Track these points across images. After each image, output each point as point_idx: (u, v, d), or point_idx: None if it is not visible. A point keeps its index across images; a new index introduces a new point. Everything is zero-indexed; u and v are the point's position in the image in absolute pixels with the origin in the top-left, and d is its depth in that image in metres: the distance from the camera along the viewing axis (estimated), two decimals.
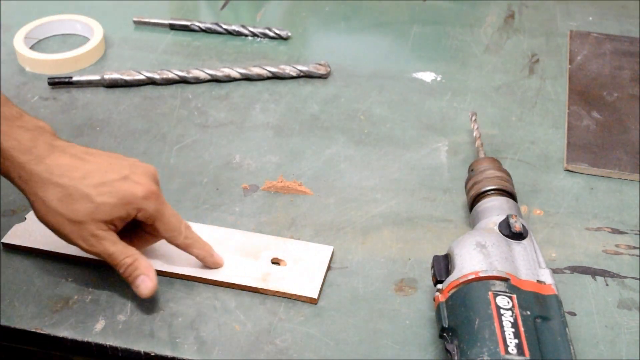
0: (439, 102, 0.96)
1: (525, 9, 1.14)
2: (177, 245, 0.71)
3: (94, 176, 0.67)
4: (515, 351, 0.58)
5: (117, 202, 0.67)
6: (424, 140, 0.90)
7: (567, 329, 0.62)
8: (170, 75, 0.98)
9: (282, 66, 0.99)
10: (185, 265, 0.74)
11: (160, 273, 0.73)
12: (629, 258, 0.76)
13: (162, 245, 0.75)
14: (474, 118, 0.87)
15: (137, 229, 0.72)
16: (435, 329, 0.66)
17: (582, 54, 1.03)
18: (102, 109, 0.95)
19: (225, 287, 0.73)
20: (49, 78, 0.98)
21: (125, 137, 0.90)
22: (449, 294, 0.64)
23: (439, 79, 1.00)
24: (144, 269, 0.69)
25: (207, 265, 0.73)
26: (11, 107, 0.67)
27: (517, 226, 0.68)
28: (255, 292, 0.72)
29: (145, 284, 0.69)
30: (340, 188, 0.84)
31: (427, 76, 1.01)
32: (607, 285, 0.73)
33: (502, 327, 0.59)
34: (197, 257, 0.72)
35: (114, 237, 0.68)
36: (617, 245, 0.77)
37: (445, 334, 0.62)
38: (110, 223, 0.68)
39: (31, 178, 0.66)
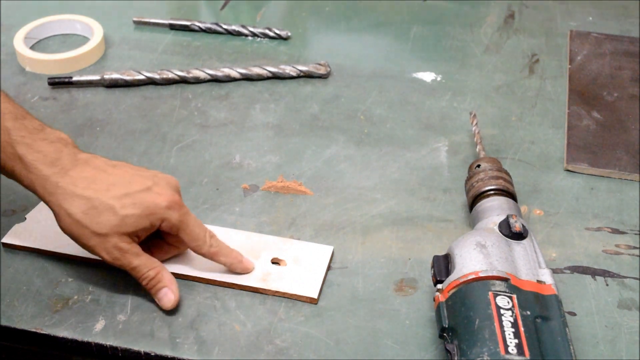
0: (439, 102, 0.96)
1: (525, 9, 1.14)
2: (203, 255, 0.72)
3: (117, 188, 0.68)
4: (515, 351, 0.58)
5: (141, 213, 0.67)
6: (424, 140, 0.90)
7: (567, 329, 0.62)
8: (170, 75, 0.98)
9: (282, 66, 0.99)
10: (185, 266, 0.74)
11: None
12: (629, 258, 0.76)
13: None
14: (474, 118, 0.87)
15: (158, 240, 0.72)
16: (435, 329, 0.66)
17: (582, 54, 1.03)
18: (102, 109, 0.95)
19: (225, 287, 0.73)
20: (49, 78, 0.98)
21: (125, 137, 0.90)
22: (449, 294, 0.64)
23: (439, 79, 1.00)
24: (167, 281, 0.70)
25: (236, 272, 0.73)
26: (33, 120, 0.68)
27: (517, 226, 0.68)
28: (255, 292, 0.72)
29: (168, 297, 0.70)
30: (340, 188, 0.84)
31: (427, 76, 1.01)
32: (607, 285, 0.73)
33: (502, 327, 0.59)
34: (224, 265, 0.72)
35: (137, 249, 0.69)
36: (617, 245, 0.77)
37: (445, 334, 0.63)
38: (134, 235, 0.68)
39: (56, 191, 0.66)
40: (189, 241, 0.71)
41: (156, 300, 0.70)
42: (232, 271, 0.73)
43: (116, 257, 0.68)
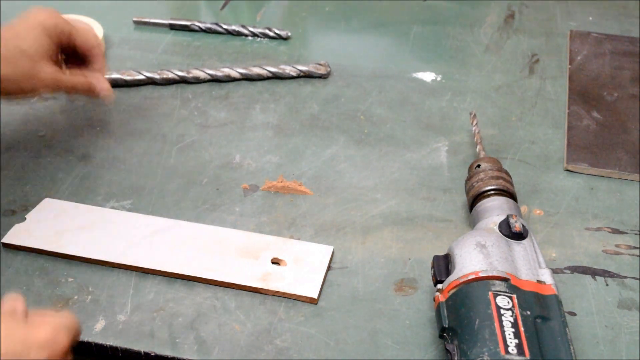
0: (439, 102, 0.96)
1: (525, 9, 1.14)
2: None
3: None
4: (515, 351, 0.58)
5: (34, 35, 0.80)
6: (424, 140, 0.90)
7: (567, 329, 0.62)
8: (170, 75, 0.98)
9: (282, 66, 0.99)
10: (185, 265, 0.74)
11: (160, 273, 0.74)
12: (629, 258, 0.76)
13: (160, 245, 0.76)
14: (474, 118, 0.87)
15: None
16: (435, 329, 0.66)
17: (582, 54, 1.03)
18: (102, 109, 0.95)
19: (225, 287, 0.73)
20: None
21: (125, 137, 0.90)
22: (449, 294, 0.64)
23: (439, 79, 1.00)
24: (95, 78, 0.84)
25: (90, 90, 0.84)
26: None
27: (517, 226, 0.68)
28: (255, 292, 0.72)
29: (100, 85, 0.84)
30: (340, 188, 0.84)
31: (427, 76, 1.01)
32: (607, 285, 0.73)
33: (502, 327, 0.59)
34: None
35: (60, 71, 0.81)
36: (617, 245, 0.77)
37: (445, 334, 0.63)
38: (51, 56, 0.80)
39: None
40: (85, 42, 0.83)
41: (93, 96, 0.84)
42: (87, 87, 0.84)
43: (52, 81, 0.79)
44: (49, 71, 0.79)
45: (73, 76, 0.82)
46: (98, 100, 0.96)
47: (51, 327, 0.56)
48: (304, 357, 0.67)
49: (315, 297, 0.71)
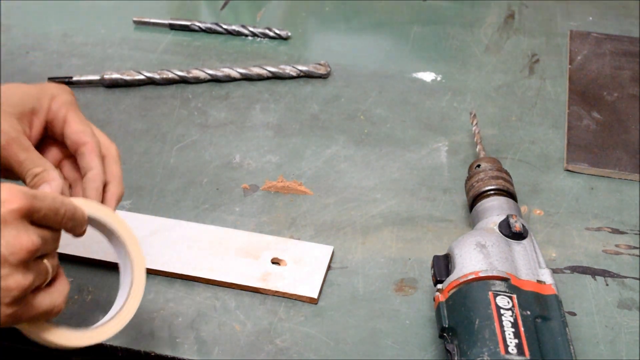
0: (439, 102, 0.96)
1: (525, 9, 1.14)
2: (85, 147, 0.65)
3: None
4: (515, 351, 0.58)
5: (26, 90, 0.64)
6: (424, 140, 0.90)
7: (567, 329, 0.62)
8: (170, 75, 0.98)
9: (282, 66, 0.99)
10: (185, 265, 0.74)
11: (160, 273, 0.74)
12: (629, 258, 0.76)
13: (160, 245, 0.76)
14: (474, 118, 0.87)
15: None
16: (435, 329, 0.66)
17: (582, 54, 1.03)
18: (102, 109, 0.95)
19: (225, 287, 0.73)
20: (49, 78, 0.98)
21: (125, 137, 0.90)
22: (449, 294, 0.64)
23: (439, 79, 1.00)
24: (51, 177, 0.62)
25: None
26: None
27: (517, 226, 0.68)
28: (255, 292, 0.72)
29: (44, 189, 0.62)
30: (340, 188, 0.84)
31: (427, 76, 1.01)
32: (607, 285, 0.73)
33: (502, 327, 0.59)
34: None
35: (27, 142, 0.63)
36: (617, 245, 0.77)
37: (445, 334, 0.62)
38: (23, 119, 0.63)
39: None
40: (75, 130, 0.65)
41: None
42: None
43: (3, 145, 0.61)
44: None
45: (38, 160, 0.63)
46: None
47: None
48: (304, 357, 0.67)
49: (315, 297, 0.71)
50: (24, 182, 0.64)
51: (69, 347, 0.58)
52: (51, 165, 0.64)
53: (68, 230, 0.59)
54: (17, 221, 0.53)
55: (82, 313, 0.70)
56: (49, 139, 0.67)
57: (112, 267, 0.72)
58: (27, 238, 0.53)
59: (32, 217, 0.54)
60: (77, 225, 0.59)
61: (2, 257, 0.53)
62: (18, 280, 0.54)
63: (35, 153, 0.63)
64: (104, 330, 0.60)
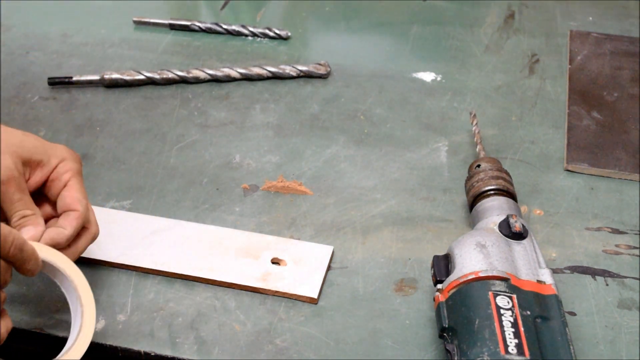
0: (439, 102, 0.96)
1: (525, 9, 1.14)
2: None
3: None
4: (515, 351, 0.58)
5: (40, 143, 0.66)
6: (424, 140, 0.90)
7: (567, 329, 0.62)
8: (170, 75, 0.98)
9: (282, 66, 0.99)
10: (185, 265, 0.74)
11: (160, 273, 0.74)
12: (629, 258, 0.76)
13: (160, 245, 0.76)
14: (474, 118, 0.87)
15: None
16: (435, 329, 0.66)
17: (582, 54, 1.03)
18: (102, 109, 0.95)
19: (225, 287, 0.73)
20: (49, 78, 0.98)
21: (125, 137, 0.90)
22: (449, 294, 0.64)
23: (439, 79, 1.00)
24: (36, 222, 0.65)
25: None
26: None
27: (517, 226, 0.68)
28: (255, 292, 0.72)
29: (26, 232, 0.65)
30: (340, 188, 0.84)
31: (427, 76, 1.01)
32: (607, 285, 0.73)
33: (502, 327, 0.59)
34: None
35: (25, 184, 0.66)
36: (617, 245, 0.77)
37: (445, 334, 0.63)
38: (27, 165, 0.66)
39: None
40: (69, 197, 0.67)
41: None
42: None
43: (3, 180, 0.63)
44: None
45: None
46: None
47: None
48: (304, 357, 0.67)
49: (315, 297, 0.71)
50: (8, 221, 0.65)
51: None
52: (38, 211, 0.66)
53: (18, 264, 0.59)
54: None
55: None
56: (39, 195, 0.69)
57: (112, 267, 0.72)
58: None
59: None
60: (26, 259, 0.59)
61: None
62: None
63: (30, 198, 0.66)
64: None
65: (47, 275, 0.65)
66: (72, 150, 0.70)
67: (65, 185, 0.68)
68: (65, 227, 0.66)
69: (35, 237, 0.65)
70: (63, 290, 0.65)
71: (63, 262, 0.64)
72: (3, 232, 0.57)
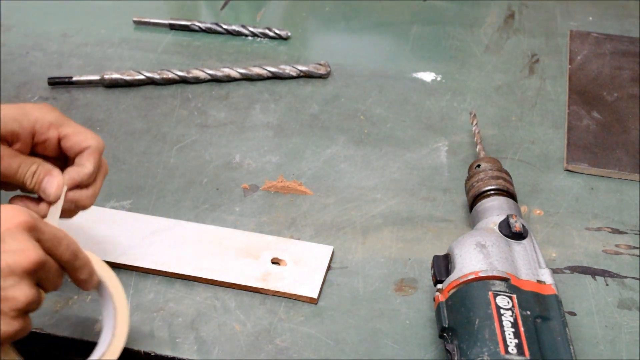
0: (439, 102, 0.96)
1: (525, 9, 1.14)
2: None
3: None
4: (515, 351, 0.58)
5: (7, 115, 0.64)
6: (424, 140, 0.90)
7: (567, 329, 0.62)
8: (170, 75, 0.98)
9: (282, 66, 0.99)
10: (185, 265, 0.74)
11: (160, 273, 0.74)
12: (629, 258, 0.76)
13: (160, 245, 0.76)
14: (474, 118, 0.87)
15: None
16: (435, 329, 0.66)
17: (582, 54, 1.03)
18: (102, 109, 0.95)
19: (225, 287, 0.73)
20: (49, 78, 0.98)
21: (125, 137, 0.90)
22: (449, 294, 0.64)
23: (439, 79, 1.00)
24: (48, 169, 0.65)
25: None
26: None
27: (517, 226, 0.68)
28: (255, 292, 0.72)
29: (51, 182, 0.65)
30: (340, 188, 0.84)
31: (427, 76, 1.01)
32: (607, 285, 0.73)
33: (502, 327, 0.59)
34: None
35: (11, 151, 0.65)
36: (617, 245, 0.77)
37: (445, 334, 0.62)
38: (4, 139, 0.64)
39: None
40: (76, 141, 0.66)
41: (41, 193, 0.65)
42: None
43: None
44: None
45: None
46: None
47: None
48: (304, 357, 0.67)
49: (315, 297, 0.71)
50: (26, 188, 0.65)
51: None
52: (39, 159, 0.65)
53: (72, 272, 0.59)
54: (23, 234, 0.54)
55: (81, 314, 0.70)
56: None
57: (112, 267, 0.72)
58: (33, 252, 0.54)
59: (38, 239, 0.55)
60: (81, 268, 0.59)
61: (8, 267, 0.53)
62: (25, 292, 0.54)
63: (25, 156, 0.65)
64: None
65: None
66: (42, 103, 0.68)
67: (61, 139, 0.66)
68: (84, 164, 0.66)
69: (59, 183, 0.64)
70: (101, 298, 0.64)
71: (97, 262, 0.63)
72: (57, 233, 0.57)
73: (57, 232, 0.58)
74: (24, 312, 0.55)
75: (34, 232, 0.55)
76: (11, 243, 0.54)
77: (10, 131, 0.64)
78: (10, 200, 0.67)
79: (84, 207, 0.68)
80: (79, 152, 0.67)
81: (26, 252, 0.54)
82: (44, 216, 0.65)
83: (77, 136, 0.67)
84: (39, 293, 0.56)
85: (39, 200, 0.66)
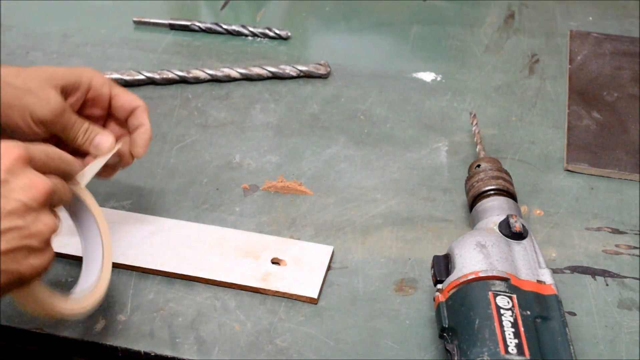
0: (439, 102, 0.96)
1: (525, 9, 1.14)
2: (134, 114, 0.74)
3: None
4: (515, 351, 0.58)
5: (69, 69, 0.71)
6: (424, 140, 0.90)
7: (567, 329, 0.62)
8: (170, 75, 0.98)
9: (282, 66, 0.99)
10: (185, 265, 0.74)
11: (160, 273, 0.74)
12: (629, 258, 0.76)
13: (160, 245, 0.76)
14: (474, 118, 0.87)
15: None
16: (435, 329, 0.66)
17: (582, 54, 1.03)
18: None
19: (225, 287, 0.73)
20: None
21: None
22: (449, 294, 0.64)
23: (439, 79, 1.00)
24: (98, 128, 0.72)
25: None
26: None
27: (517, 226, 0.68)
28: (255, 292, 0.72)
29: (105, 138, 0.72)
30: (340, 188, 0.84)
31: (427, 76, 1.01)
32: (607, 285, 0.73)
33: (502, 327, 0.59)
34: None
35: (70, 109, 0.71)
36: (617, 245, 0.77)
37: (445, 334, 0.63)
38: (64, 90, 0.70)
39: None
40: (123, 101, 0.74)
41: (93, 149, 0.72)
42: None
43: (59, 110, 0.69)
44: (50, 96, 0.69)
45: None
46: None
47: None
48: (304, 357, 0.67)
49: (315, 297, 0.71)
50: (73, 144, 0.71)
51: (68, 313, 0.60)
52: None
53: (64, 174, 0.61)
54: (24, 169, 0.56)
55: None
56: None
57: (113, 268, 0.72)
58: (41, 181, 0.56)
59: (34, 165, 0.57)
60: (70, 167, 0.62)
61: (24, 205, 0.54)
62: (46, 222, 0.56)
63: (78, 116, 0.72)
64: (90, 297, 0.63)
65: (70, 208, 0.66)
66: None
67: (112, 97, 0.74)
68: (143, 123, 0.74)
69: (112, 140, 0.72)
70: (78, 223, 0.67)
71: (89, 199, 0.66)
72: (44, 149, 0.59)
73: (42, 148, 0.59)
74: (49, 240, 0.57)
75: (31, 161, 0.57)
76: (16, 181, 0.55)
77: (73, 82, 0.71)
78: None
79: (127, 164, 0.75)
80: (130, 111, 0.74)
81: (35, 185, 0.55)
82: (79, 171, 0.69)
83: (127, 96, 0.74)
84: (56, 215, 0.58)
85: (83, 156, 0.72)
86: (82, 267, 0.66)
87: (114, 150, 0.72)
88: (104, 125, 0.76)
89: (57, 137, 0.71)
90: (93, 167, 0.70)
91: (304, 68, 0.99)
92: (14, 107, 0.68)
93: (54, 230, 0.56)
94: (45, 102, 0.68)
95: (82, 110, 0.74)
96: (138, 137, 0.74)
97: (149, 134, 0.74)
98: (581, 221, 0.80)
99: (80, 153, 0.72)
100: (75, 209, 0.66)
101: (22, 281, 0.55)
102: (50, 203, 0.57)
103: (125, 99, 0.74)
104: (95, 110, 0.74)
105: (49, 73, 0.70)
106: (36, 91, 0.68)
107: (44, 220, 0.56)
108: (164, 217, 0.79)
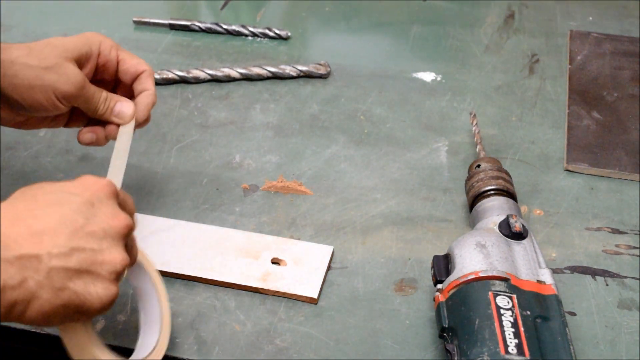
0: (439, 102, 0.96)
1: (525, 9, 1.14)
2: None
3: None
4: (515, 351, 0.58)
5: (78, 39, 0.71)
6: (424, 140, 0.90)
7: (567, 329, 0.62)
8: (170, 75, 0.98)
9: (282, 66, 0.99)
10: (185, 265, 0.74)
11: (160, 273, 0.73)
12: (629, 258, 0.76)
13: (160, 245, 0.76)
14: (474, 118, 0.87)
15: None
16: (435, 329, 0.66)
17: (582, 54, 1.03)
18: None
19: (225, 287, 0.73)
20: None
21: None
22: (449, 294, 0.64)
23: (439, 79, 1.00)
24: (118, 96, 0.74)
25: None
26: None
27: (517, 226, 0.68)
28: (255, 292, 0.72)
29: (125, 106, 0.73)
30: (340, 188, 0.84)
31: (427, 76, 1.01)
32: (607, 285, 0.73)
33: (502, 327, 0.59)
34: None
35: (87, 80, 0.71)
36: (617, 245, 0.77)
37: (445, 334, 0.63)
38: (78, 61, 0.71)
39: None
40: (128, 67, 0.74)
41: (115, 118, 0.73)
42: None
43: (81, 83, 0.69)
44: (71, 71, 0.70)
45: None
46: None
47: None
48: (304, 357, 0.67)
49: (315, 297, 0.71)
50: (95, 114, 0.72)
51: None
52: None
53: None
54: (111, 200, 0.57)
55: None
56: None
57: None
58: (124, 215, 0.57)
59: (118, 202, 0.58)
60: (134, 218, 0.61)
61: (103, 231, 0.55)
62: (119, 255, 0.55)
63: (95, 86, 0.72)
64: None
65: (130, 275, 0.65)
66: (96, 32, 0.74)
67: (119, 61, 0.74)
68: (149, 88, 0.74)
69: (133, 107, 0.73)
70: (140, 291, 0.65)
71: (148, 263, 0.65)
72: (125, 196, 0.60)
73: (124, 194, 0.60)
74: (119, 275, 0.56)
75: (117, 197, 0.58)
76: (102, 208, 0.56)
77: (85, 52, 0.71)
78: (80, 134, 0.75)
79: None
80: (135, 76, 0.74)
81: (118, 217, 0.56)
82: (113, 137, 0.74)
83: (133, 59, 0.74)
84: (129, 256, 0.58)
85: (103, 124, 0.74)
86: (139, 334, 0.64)
87: (133, 119, 0.73)
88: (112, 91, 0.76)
89: (74, 110, 0.73)
90: (124, 136, 0.73)
91: (304, 68, 0.99)
92: (36, 87, 0.68)
93: (125, 265, 0.56)
94: (66, 77, 0.69)
95: (93, 78, 0.74)
96: (141, 101, 0.74)
97: (151, 98, 0.74)
98: (581, 221, 0.80)
99: (101, 122, 0.74)
100: (134, 271, 0.65)
101: (80, 309, 0.54)
102: (126, 239, 0.57)
103: (131, 63, 0.74)
104: (105, 75, 0.75)
105: (61, 47, 0.69)
106: (55, 68, 0.68)
107: (118, 252, 0.55)
108: (164, 217, 0.79)
